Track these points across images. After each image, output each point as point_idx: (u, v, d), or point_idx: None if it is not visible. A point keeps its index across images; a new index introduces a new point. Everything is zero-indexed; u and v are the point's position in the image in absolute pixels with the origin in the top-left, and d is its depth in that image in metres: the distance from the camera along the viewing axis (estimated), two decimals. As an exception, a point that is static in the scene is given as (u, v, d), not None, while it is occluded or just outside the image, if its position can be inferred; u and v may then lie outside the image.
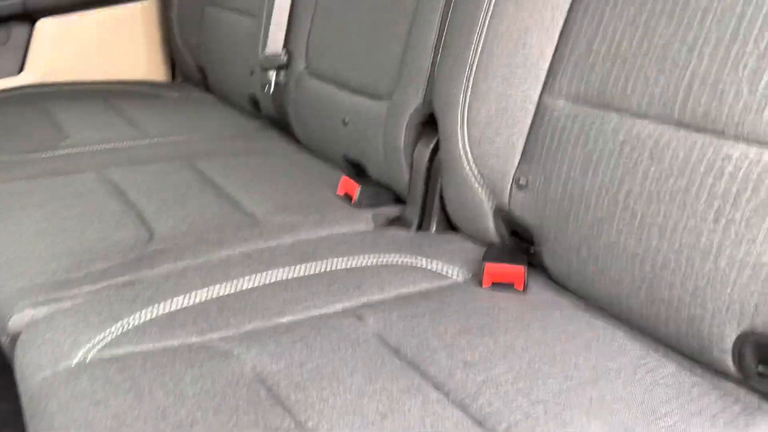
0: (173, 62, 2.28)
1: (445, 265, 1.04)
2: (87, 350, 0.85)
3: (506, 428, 0.72)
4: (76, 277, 1.03)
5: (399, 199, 1.28)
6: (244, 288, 0.98)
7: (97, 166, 1.44)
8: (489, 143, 1.04)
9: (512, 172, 1.02)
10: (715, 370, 0.79)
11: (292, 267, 1.02)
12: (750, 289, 0.74)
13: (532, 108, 1.00)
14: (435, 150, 1.19)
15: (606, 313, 0.91)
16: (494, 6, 1.03)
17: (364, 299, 0.96)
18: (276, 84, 1.58)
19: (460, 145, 1.08)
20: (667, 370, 0.80)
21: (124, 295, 0.96)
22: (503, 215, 1.05)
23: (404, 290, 0.99)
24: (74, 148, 1.57)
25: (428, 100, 1.18)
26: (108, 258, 1.07)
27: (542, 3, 0.99)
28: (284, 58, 1.55)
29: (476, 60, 1.05)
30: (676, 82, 0.82)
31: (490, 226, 1.08)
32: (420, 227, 1.20)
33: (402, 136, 1.22)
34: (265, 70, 1.58)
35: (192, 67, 2.14)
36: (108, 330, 0.88)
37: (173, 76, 2.30)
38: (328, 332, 0.87)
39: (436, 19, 1.17)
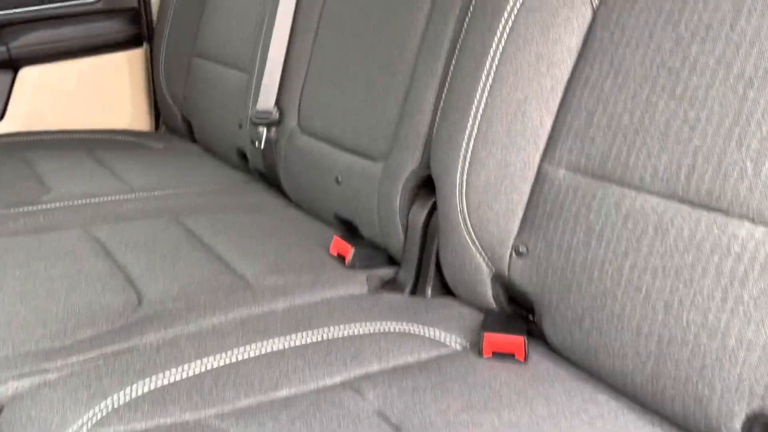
0: (157, 112, 2.26)
1: (443, 333, 1.02)
2: (76, 430, 0.81)
3: None
4: (62, 345, 0.99)
5: (392, 260, 1.27)
6: (239, 359, 0.95)
7: (82, 222, 1.40)
8: (488, 209, 1.04)
9: (511, 238, 1.01)
10: (724, 451, 0.78)
11: (288, 336, 1.00)
12: (760, 370, 0.73)
13: (531, 175, 1.00)
14: (431, 212, 1.18)
15: (608, 385, 0.90)
16: (494, 73, 1.04)
17: (362, 371, 0.94)
18: (266, 140, 1.57)
19: (458, 210, 1.07)
20: (675, 449, 0.79)
21: (114, 367, 0.92)
22: (502, 282, 1.04)
23: (402, 360, 0.97)
24: (57, 202, 1.52)
25: (425, 164, 1.17)
26: (95, 324, 1.04)
27: (542, 72, 0.99)
28: (276, 115, 1.54)
29: (476, 126, 1.05)
30: (679, 158, 0.83)
31: (488, 291, 1.07)
32: (415, 290, 1.19)
33: (398, 198, 1.21)
34: (255, 125, 1.57)
35: (177, 118, 2.12)
36: (98, 407, 0.85)
37: (156, 126, 2.28)
38: (328, 409, 0.84)
39: (434, 83, 1.17)
